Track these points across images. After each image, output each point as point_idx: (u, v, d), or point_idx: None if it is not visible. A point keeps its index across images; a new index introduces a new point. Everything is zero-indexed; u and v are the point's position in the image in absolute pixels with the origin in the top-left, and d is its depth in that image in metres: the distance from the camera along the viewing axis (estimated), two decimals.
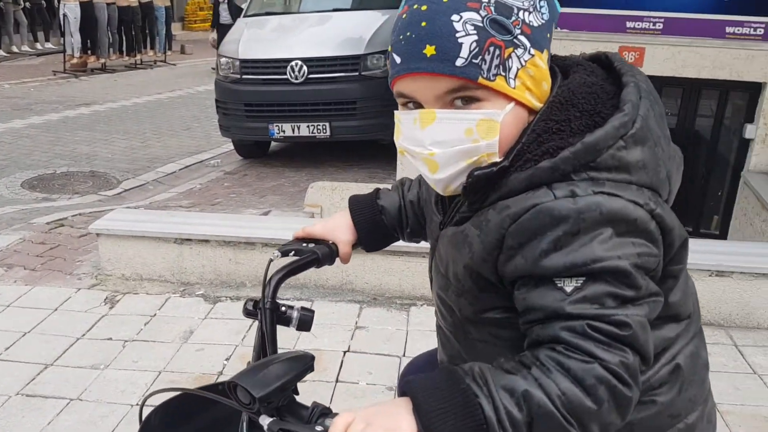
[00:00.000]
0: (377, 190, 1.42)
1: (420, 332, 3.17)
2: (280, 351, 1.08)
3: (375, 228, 1.37)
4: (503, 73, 0.92)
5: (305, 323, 1.13)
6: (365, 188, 4.96)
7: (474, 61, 0.91)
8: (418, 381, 0.89)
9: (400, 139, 1.01)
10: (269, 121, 6.16)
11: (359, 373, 2.82)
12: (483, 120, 0.93)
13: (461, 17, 0.91)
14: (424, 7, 0.93)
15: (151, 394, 1.14)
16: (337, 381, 2.77)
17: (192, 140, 8.11)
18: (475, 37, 0.90)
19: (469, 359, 1.09)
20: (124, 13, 14.27)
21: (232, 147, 7.10)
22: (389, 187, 1.44)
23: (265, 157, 7.04)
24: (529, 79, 0.95)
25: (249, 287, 3.52)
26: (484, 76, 0.91)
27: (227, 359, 2.92)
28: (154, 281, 3.63)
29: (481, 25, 0.91)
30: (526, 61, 0.94)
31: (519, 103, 0.95)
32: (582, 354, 0.86)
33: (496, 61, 0.91)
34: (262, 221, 4.09)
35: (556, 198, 0.89)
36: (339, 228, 1.35)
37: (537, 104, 0.97)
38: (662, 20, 4.26)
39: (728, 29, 4.17)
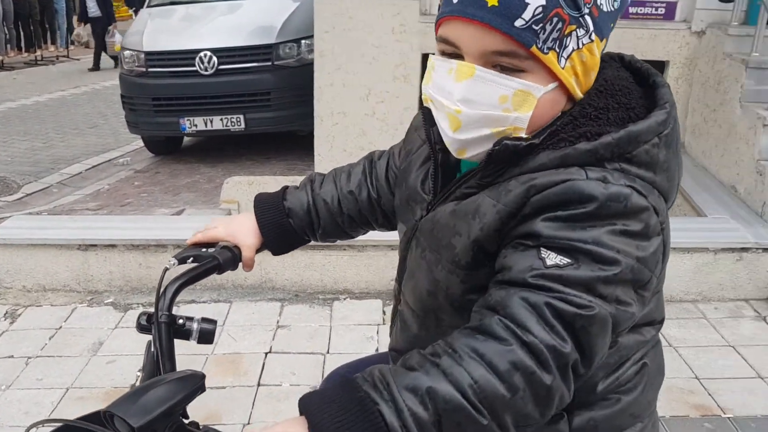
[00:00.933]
0: (284, 189, 1.33)
1: (344, 327, 3.10)
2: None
3: (281, 231, 1.29)
4: (557, 49, 0.87)
5: (207, 336, 1.04)
6: (284, 181, 4.85)
7: (534, 27, 0.85)
8: (312, 396, 0.83)
9: (429, 86, 0.95)
10: (180, 116, 5.93)
11: (282, 375, 2.73)
12: (521, 91, 0.88)
13: None
14: None
15: (28, 428, 1.02)
16: (259, 384, 2.66)
17: (99, 138, 7.73)
18: (543, 2, 0.84)
19: None
20: (21, 7, 13.47)
21: (142, 144, 6.81)
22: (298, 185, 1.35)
23: (178, 153, 6.78)
24: (580, 65, 0.90)
25: (158, 284, 3.35)
26: (539, 46, 0.86)
27: (140, 370, 2.76)
28: (59, 291, 3.40)
29: None
30: (583, 45, 0.89)
31: (562, 86, 0.90)
32: (512, 330, 0.82)
33: (554, 35, 0.86)
34: (173, 221, 3.91)
35: (588, 178, 0.86)
36: (242, 231, 1.26)
37: (579, 93, 0.93)
38: None
39: (631, 9, 4.28)
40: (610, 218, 0.85)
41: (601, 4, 0.89)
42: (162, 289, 1.04)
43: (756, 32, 3.74)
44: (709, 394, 2.61)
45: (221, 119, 5.89)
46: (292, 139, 6.33)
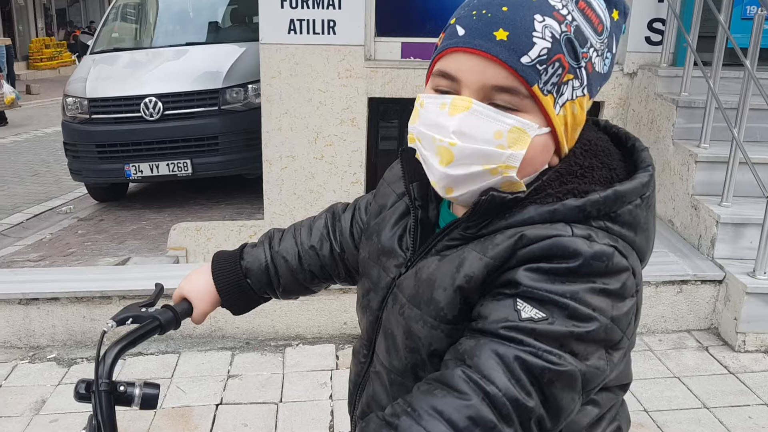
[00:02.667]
0: (242, 247, 1.31)
1: (297, 374, 3.07)
2: None
3: (240, 292, 1.28)
4: (555, 94, 0.88)
5: (149, 401, 1.01)
6: (232, 226, 4.79)
7: (538, 66, 0.86)
8: None
9: (416, 124, 0.94)
10: (125, 162, 5.85)
11: (234, 427, 2.67)
12: (517, 128, 0.88)
13: (544, 20, 0.87)
14: None
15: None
16: None
17: (40, 186, 7.54)
18: (549, 45, 0.86)
19: None
20: None
21: (86, 191, 6.67)
22: (257, 240, 1.34)
23: (123, 200, 6.66)
24: (570, 116, 0.91)
25: (107, 344, 3.25)
26: (540, 86, 0.87)
27: (85, 429, 2.66)
28: None
29: (558, 37, 0.87)
30: (577, 97, 0.91)
31: (553, 134, 0.91)
32: (475, 381, 0.81)
33: (554, 79, 0.87)
34: (118, 271, 3.82)
35: (574, 235, 0.86)
36: (199, 291, 1.25)
37: (565, 147, 0.94)
38: None
39: None
40: (591, 276, 0.85)
41: (595, 62, 0.92)
42: (102, 355, 1.01)
43: (684, 73, 3.94)
44: (658, 426, 2.66)
45: (167, 164, 5.83)
46: (240, 183, 6.30)
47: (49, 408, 2.81)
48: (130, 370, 3.06)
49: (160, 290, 1.22)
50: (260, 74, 4.28)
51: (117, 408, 1.00)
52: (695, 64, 3.78)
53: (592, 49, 0.91)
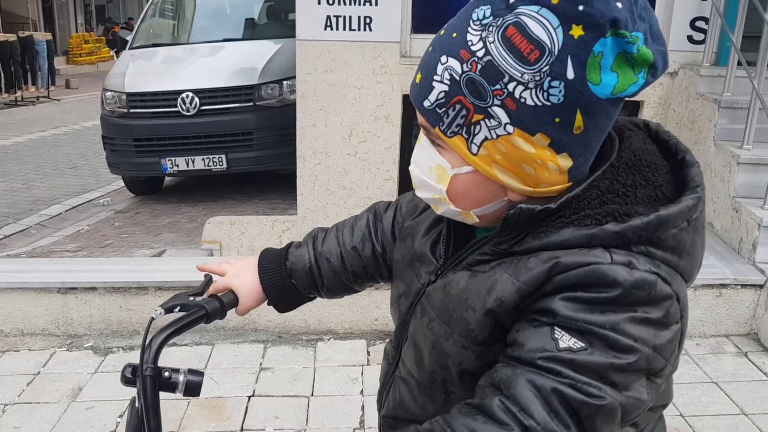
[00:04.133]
0: (288, 247, 1.32)
1: (328, 368, 3.07)
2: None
3: (285, 292, 1.28)
4: (465, 135, 0.86)
5: (193, 388, 1.03)
6: (266, 221, 4.83)
7: (437, 110, 0.87)
8: None
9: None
10: (161, 156, 5.92)
11: (265, 419, 2.69)
12: (438, 165, 0.91)
13: (447, 61, 0.85)
14: (442, 32, 0.88)
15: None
16: (242, 429, 2.62)
17: (79, 179, 7.69)
18: (446, 89, 0.85)
19: None
20: (2, 48, 13.51)
21: (123, 184, 6.78)
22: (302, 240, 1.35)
23: (159, 194, 6.75)
24: (499, 154, 0.86)
25: (142, 335, 3.30)
26: (442, 129, 0.87)
27: (120, 416, 2.71)
28: (37, 336, 3.35)
29: (457, 78, 0.84)
30: (498, 135, 0.84)
31: (486, 171, 0.88)
32: (513, 414, 0.79)
33: (459, 120, 0.86)
34: (154, 263, 3.87)
35: (613, 262, 0.82)
36: (246, 288, 1.26)
37: (515, 185, 0.88)
38: None
39: None
40: (633, 305, 0.81)
41: (521, 97, 0.82)
42: (148, 341, 1.03)
43: (727, 73, 3.85)
44: None
45: (203, 159, 5.89)
46: (274, 179, 6.34)
47: (86, 395, 2.86)
48: (164, 360, 3.07)
49: (208, 281, 1.26)
50: (296, 70, 4.30)
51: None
52: (739, 63, 3.70)
53: (513, 84, 0.81)
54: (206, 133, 5.86)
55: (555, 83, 0.81)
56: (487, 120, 0.84)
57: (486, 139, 0.85)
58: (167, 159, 5.91)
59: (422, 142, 0.93)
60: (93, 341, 3.30)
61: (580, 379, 0.79)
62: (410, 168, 0.96)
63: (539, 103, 0.82)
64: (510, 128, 0.83)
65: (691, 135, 4.06)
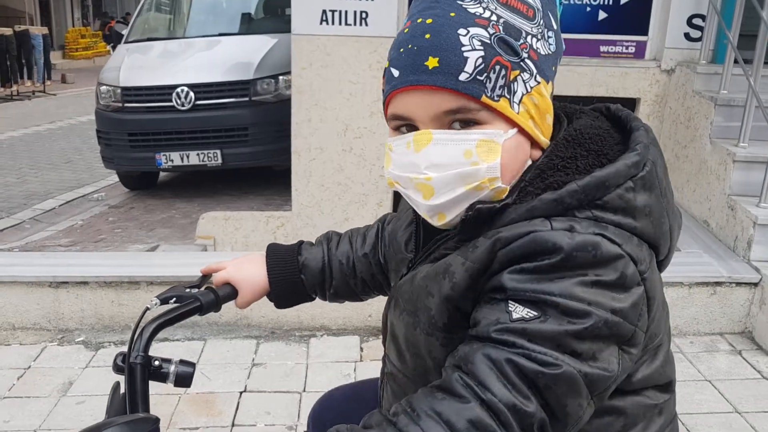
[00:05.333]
0: (300, 243, 1.32)
1: (321, 365, 3.06)
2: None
3: (291, 288, 1.28)
4: (507, 96, 0.87)
5: (184, 379, 1.02)
6: (260, 217, 4.80)
7: (479, 77, 0.85)
8: None
9: (390, 168, 0.94)
10: (156, 151, 5.89)
11: (257, 414, 2.67)
12: (483, 141, 0.87)
13: (468, 31, 0.85)
14: (429, 21, 0.87)
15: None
16: (233, 425, 2.60)
17: (73, 174, 7.65)
18: (482, 53, 0.85)
19: None
20: None
21: (117, 179, 6.75)
22: (313, 240, 1.35)
23: (154, 189, 6.72)
24: (533, 108, 0.89)
25: (135, 324, 3.28)
26: (488, 95, 0.86)
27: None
28: (28, 330, 3.32)
29: (488, 41, 0.85)
30: (531, 88, 0.89)
31: (522, 131, 0.89)
32: (472, 387, 0.79)
33: (501, 82, 0.86)
34: (147, 258, 3.85)
35: (553, 228, 0.83)
36: (250, 280, 1.26)
37: (541, 138, 0.92)
38: None
39: (602, 48, 4.37)
40: (580, 269, 0.81)
41: (537, 48, 0.89)
42: (140, 330, 1.02)
43: (723, 70, 3.84)
44: (688, 430, 2.60)
45: (198, 154, 5.86)
46: (269, 175, 6.32)
47: (76, 390, 2.84)
48: (156, 354, 3.08)
49: (207, 276, 1.26)
50: (291, 65, 4.27)
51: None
52: (735, 61, 3.68)
53: (529, 37, 0.89)
54: (201, 128, 5.83)
55: (550, 33, 0.92)
56: (522, 74, 0.88)
57: (523, 94, 0.88)
58: (162, 154, 5.88)
59: (437, 137, 0.88)
60: (84, 336, 3.28)
61: (534, 349, 0.79)
62: (423, 179, 0.89)
63: (548, 52, 0.92)
64: (538, 78, 0.90)
65: (687, 132, 4.05)
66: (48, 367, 3.03)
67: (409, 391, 1.02)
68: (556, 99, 0.97)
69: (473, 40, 0.85)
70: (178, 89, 5.80)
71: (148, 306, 1.08)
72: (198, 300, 1.15)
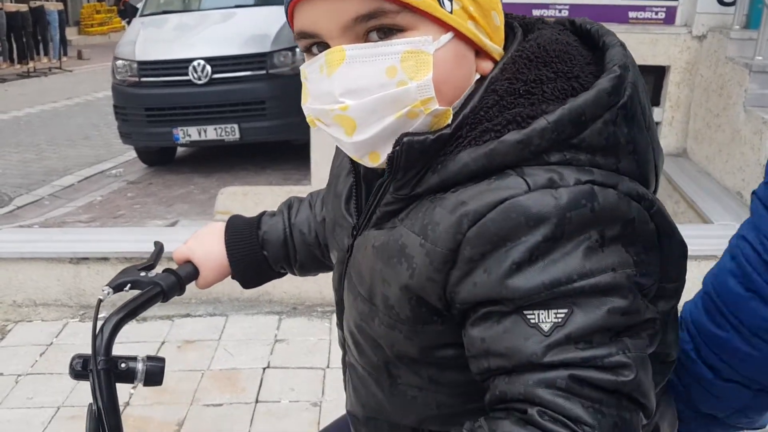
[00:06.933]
0: (261, 215, 1.15)
1: None
2: None
3: (254, 265, 1.12)
4: None
5: (154, 376, 0.90)
6: (280, 192, 4.76)
7: None
8: None
9: (308, 102, 0.76)
10: (173, 126, 5.85)
11: (281, 391, 2.64)
12: (409, 52, 0.69)
13: None
14: None
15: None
16: (257, 401, 2.57)
17: (91, 150, 7.64)
18: None
19: (393, 412, 0.85)
20: (13, 19, 13.44)
21: (135, 155, 6.72)
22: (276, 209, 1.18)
23: (172, 164, 6.69)
24: (471, 4, 0.72)
25: (156, 305, 3.26)
26: None
27: (134, 388, 2.67)
28: (50, 306, 3.30)
29: None
30: None
31: (461, 36, 0.72)
32: (562, 421, 0.64)
33: None
34: (167, 233, 3.82)
35: (531, 189, 0.66)
36: (209, 259, 1.10)
37: (489, 44, 0.74)
38: (567, 7, 4.27)
39: (631, 14, 4.23)
40: (580, 232, 0.65)
41: None
42: (99, 328, 0.88)
43: (759, 36, 3.69)
44: None
45: (215, 129, 5.82)
46: (287, 149, 6.26)
47: None
48: (177, 330, 3.05)
49: (160, 250, 1.10)
50: None
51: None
52: None
53: None
54: (218, 102, 5.77)
55: None
56: None
57: None
58: (179, 129, 5.84)
59: (350, 53, 0.70)
60: (106, 312, 3.25)
61: (595, 355, 0.64)
62: (339, 109, 0.71)
63: None
64: None
65: (720, 101, 3.92)
66: (70, 344, 3.01)
67: (371, 389, 0.87)
68: None
69: None
70: (195, 63, 5.74)
71: (101, 297, 0.95)
72: (159, 285, 1.00)
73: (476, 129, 0.70)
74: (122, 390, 2.72)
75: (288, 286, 3.28)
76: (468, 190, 0.69)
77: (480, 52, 0.75)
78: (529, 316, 0.65)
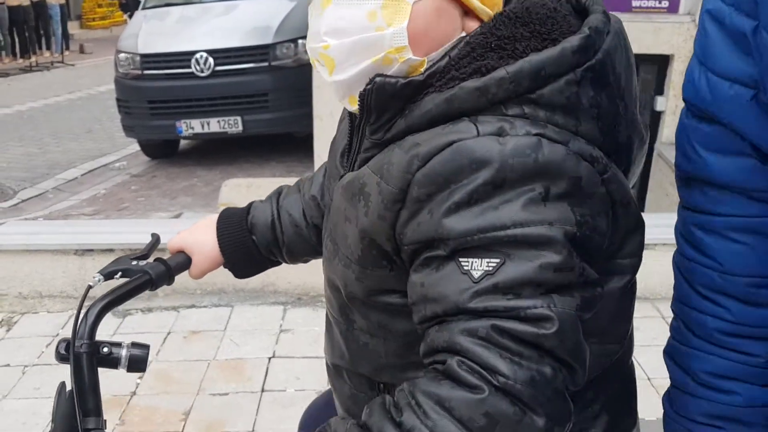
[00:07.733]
0: (251, 203, 1.17)
1: None
2: None
3: (244, 251, 1.13)
4: None
5: (138, 362, 0.90)
6: (283, 183, 4.78)
7: None
8: None
9: (308, 41, 0.80)
10: (176, 118, 5.85)
11: (286, 380, 2.65)
12: (386, 1, 0.72)
13: None
14: None
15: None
16: (263, 390, 2.58)
17: (94, 143, 7.65)
18: None
19: (351, 360, 0.87)
20: (15, 14, 13.42)
21: (138, 148, 6.73)
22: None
23: (175, 157, 6.70)
24: None
25: (161, 296, 3.27)
26: None
27: (140, 378, 2.68)
28: (56, 298, 3.32)
29: None
30: None
31: None
32: (478, 371, 0.65)
33: None
34: (171, 225, 3.83)
35: (479, 135, 0.67)
36: (202, 247, 1.11)
37: (476, 4, 0.75)
38: None
39: (634, 2, 4.21)
40: (522, 183, 0.66)
41: None
42: (84, 312, 0.90)
43: None
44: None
45: (218, 121, 5.82)
46: (290, 142, 6.26)
47: None
48: (183, 321, 3.07)
49: (155, 241, 1.12)
50: None
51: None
52: None
53: None
54: (221, 95, 5.77)
55: None
56: None
57: None
58: (182, 121, 5.85)
59: None
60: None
61: (519, 306, 0.65)
62: (322, 47, 0.74)
63: None
64: None
65: None
66: None
67: (335, 336, 0.90)
68: None
69: None
70: (197, 55, 5.74)
71: (91, 283, 0.96)
72: (147, 273, 1.02)
73: (444, 77, 0.73)
74: (128, 379, 2.75)
75: (292, 276, 3.29)
76: (424, 133, 0.71)
77: (469, 12, 0.76)
78: (462, 263, 0.67)
